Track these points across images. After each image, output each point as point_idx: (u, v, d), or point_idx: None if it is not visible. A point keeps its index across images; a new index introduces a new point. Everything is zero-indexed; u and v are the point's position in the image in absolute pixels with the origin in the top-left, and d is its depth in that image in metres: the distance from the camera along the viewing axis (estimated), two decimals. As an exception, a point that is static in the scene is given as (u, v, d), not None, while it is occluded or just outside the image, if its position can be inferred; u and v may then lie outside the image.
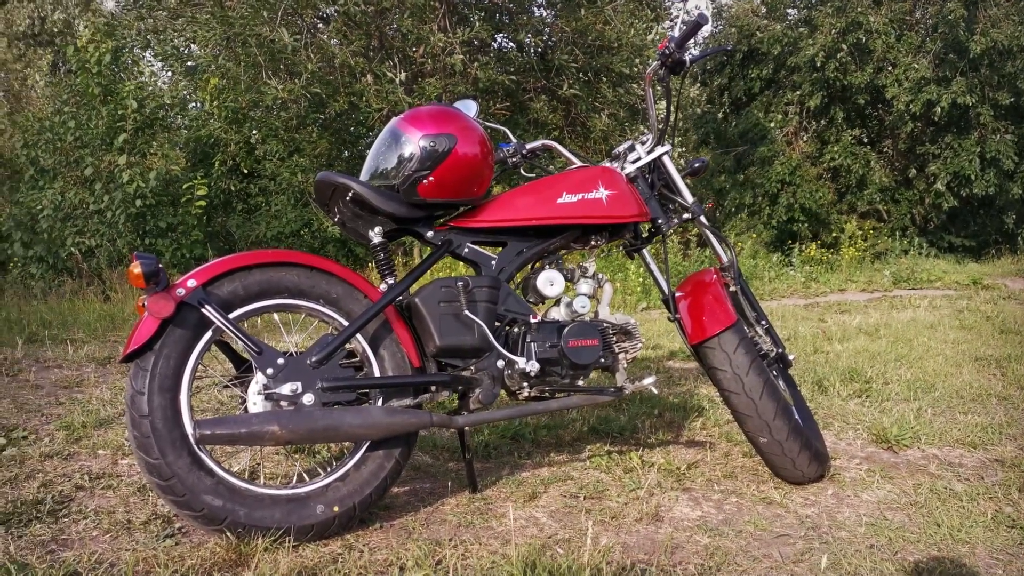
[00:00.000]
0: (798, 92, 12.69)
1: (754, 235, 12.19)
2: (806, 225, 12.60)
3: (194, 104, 10.09)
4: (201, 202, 7.75)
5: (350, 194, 2.07)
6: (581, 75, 9.73)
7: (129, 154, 7.59)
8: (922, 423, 3.01)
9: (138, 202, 7.39)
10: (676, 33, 2.34)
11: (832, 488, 2.39)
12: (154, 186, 7.43)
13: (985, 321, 5.91)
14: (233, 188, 9.32)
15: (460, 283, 2.11)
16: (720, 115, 14.56)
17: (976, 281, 9.21)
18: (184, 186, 7.75)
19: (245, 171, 9.25)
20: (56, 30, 17.60)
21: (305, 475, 2.01)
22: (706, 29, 11.37)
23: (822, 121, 13.45)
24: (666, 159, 2.51)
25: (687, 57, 2.36)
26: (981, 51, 11.11)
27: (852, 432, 2.98)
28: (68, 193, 7.64)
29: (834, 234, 12.52)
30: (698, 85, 15.06)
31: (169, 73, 10.65)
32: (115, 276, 6.86)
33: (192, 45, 9.58)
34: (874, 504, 2.26)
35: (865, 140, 13.64)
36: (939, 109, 11.47)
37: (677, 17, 2.40)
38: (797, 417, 2.38)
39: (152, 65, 9.84)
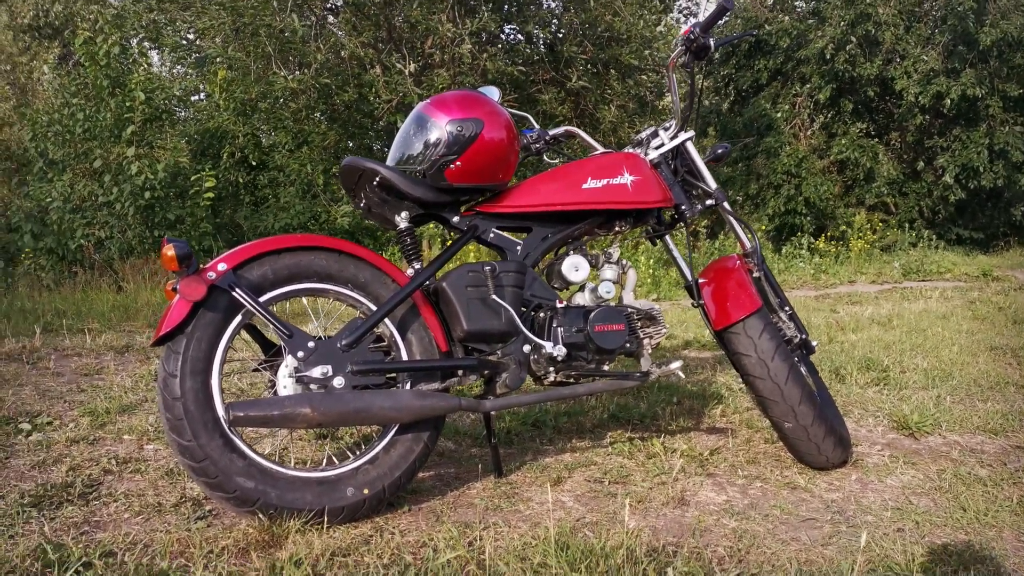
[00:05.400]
0: (807, 85, 12.65)
1: (760, 227, 12.17)
2: (808, 218, 12.55)
3: (198, 97, 10.09)
4: (209, 194, 7.76)
5: (377, 179, 2.07)
6: (590, 67, 9.71)
7: (138, 146, 7.59)
8: (942, 410, 3.01)
9: (147, 194, 7.40)
10: (701, 18, 2.33)
11: (856, 474, 2.39)
12: (163, 178, 7.43)
13: (998, 311, 5.90)
14: (241, 180, 9.33)
15: (487, 268, 2.12)
16: (725, 106, 14.53)
17: (986, 273, 9.18)
18: (192, 178, 7.76)
19: (253, 163, 9.26)
20: (59, 23, 17.56)
21: (334, 458, 2.02)
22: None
23: (830, 114, 13.40)
24: (689, 145, 2.51)
25: (711, 42, 2.35)
26: (990, 43, 11.07)
27: (872, 419, 2.99)
28: (77, 185, 7.65)
29: (841, 227, 12.48)
30: (704, 75, 15.01)
31: (179, 67, 10.65)
32: (127, 267, 6.87)
33: (198, 40, 9.58)
34: (898, 489, 2.26)
35: (873, 133, 13.59)
36: (948, 101, 11.43)
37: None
38: (821, 403, 2.39)
39: (155, 63, 9.86)
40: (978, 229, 13.54)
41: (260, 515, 1.79)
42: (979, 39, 11.12)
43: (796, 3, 13.68)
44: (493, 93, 2.37)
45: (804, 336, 2.54)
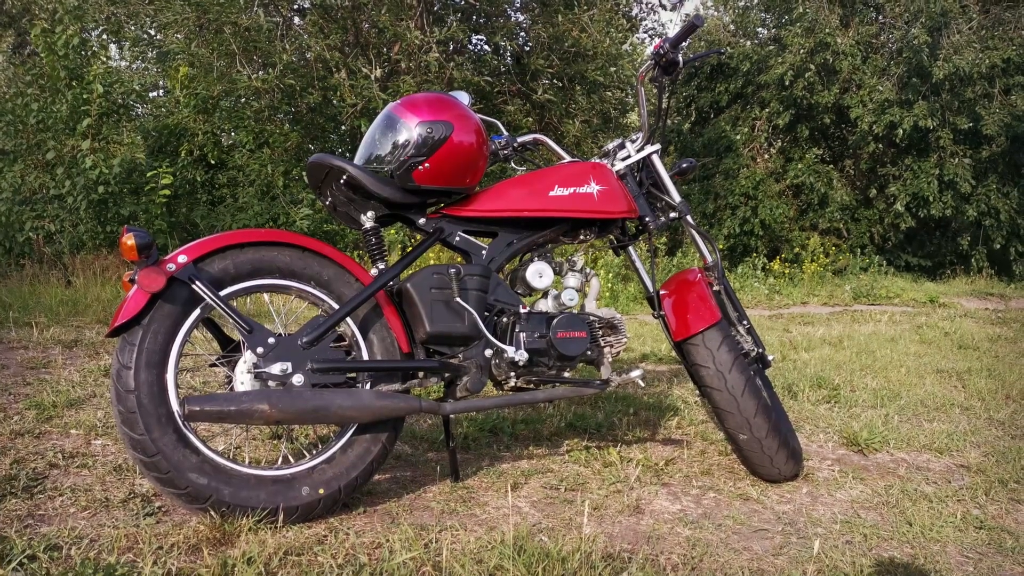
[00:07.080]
0: (766, 110, 12.90)
1: (720, 245, 12.34)
2: (762, 240, 12.77)
3: (156, 93, 9.92)
4: (165, 191, 7.61)
5: (344, 177, 2.06)
6: (556, 81, 9.78)
7: (93, 139, 7.43)
8: (890, 429, 3.08)
9: (100, 188, 7.24)
10: (671, 34, 2.37)
11: (806, 487, 2.43)
12: (117, 173, 7.28)
13: (944, 336, 6.06)
14: (199, 179, 9.17)
15: (452, 270, 2.11)
16: (687, 126, 14.73)
17: (933, 299, 9.43)
18: (148, 174, 7.61)
19: (212, 162, 9.12)
20: (15, 11, 17.15)
21: (290, 457, 1.99)
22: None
23: (787, 138, 13.67)
24: (655, 158, 2.54)
25: (680, 58, 2.39)
26: (943, 76, 11.39)
27: (823, 435, 3.04)
28: (28, 177, 7.45)
29: (795, 250, 12.71)
30: (671, 94, 15.20)
31: (139, 62, 10.46)
32: (77, 262, 6.70)
33: (159, 36, 9.42)
34: (847, 503, 2.30)
35: (828, 159, 13.89)
36: (901, 131, 11.73)
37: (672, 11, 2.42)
38: (775, 417, 2.42)
39: (114, 57, 9.66)
40: (926, 257, 13.90)
41: (212, 512, 1.76)
42: (932, 72, 11.44)
43: (758, 29, 13.96)
44: (463, 98, 2.37)
45: (761, 350, 2.58)
